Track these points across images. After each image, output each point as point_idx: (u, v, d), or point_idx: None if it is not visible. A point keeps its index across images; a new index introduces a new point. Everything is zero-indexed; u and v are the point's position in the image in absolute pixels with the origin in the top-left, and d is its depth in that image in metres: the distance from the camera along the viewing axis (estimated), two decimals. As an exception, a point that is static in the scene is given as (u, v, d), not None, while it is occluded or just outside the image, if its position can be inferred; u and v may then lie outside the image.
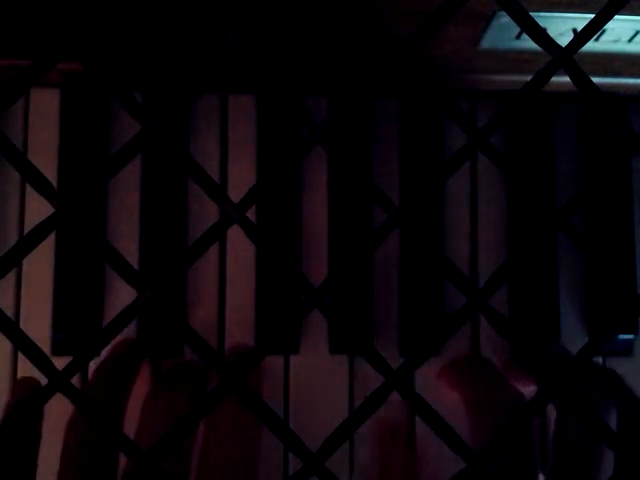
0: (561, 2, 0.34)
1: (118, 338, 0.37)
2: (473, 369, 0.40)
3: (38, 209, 0.41)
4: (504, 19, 0.35)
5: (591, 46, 0.38)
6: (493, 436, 0.22)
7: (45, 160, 0.41)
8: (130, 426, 0.36)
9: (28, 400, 0.21)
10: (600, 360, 0.43)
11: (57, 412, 0.31)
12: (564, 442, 0.34)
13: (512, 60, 0.40)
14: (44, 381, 0.21)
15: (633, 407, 0.35)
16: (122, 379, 0.37)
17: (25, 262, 0.40)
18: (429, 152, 0.43)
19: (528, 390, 0.38)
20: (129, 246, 0.41)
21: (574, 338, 0.43)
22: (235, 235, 0.41)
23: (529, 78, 0.23)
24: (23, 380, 0.37)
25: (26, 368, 0.39)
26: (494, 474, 0.21)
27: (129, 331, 0.40)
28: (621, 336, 0.43)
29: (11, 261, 0.21)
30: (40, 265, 0.40)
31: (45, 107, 0.41)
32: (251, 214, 0.42)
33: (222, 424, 0.35)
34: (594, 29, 0.23)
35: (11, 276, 0.40)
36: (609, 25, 0.35)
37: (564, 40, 0.23)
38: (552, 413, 0.37)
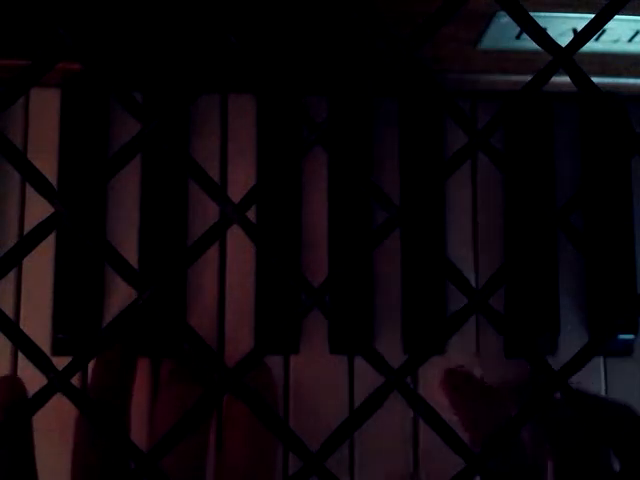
0: (561, 2, 0.34)
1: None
2: (468, 387, 0.40)
3: (38, 209, 0.41)
4: (504, 19, 0.35)
5: (591, 46, 0.38)
6: (493, 436, 0.22)
7: (45, 160, 0.41)
8: (134, 425, 0.36)
9: (28, 400, 0.21)
10: (601, 360, 0.43)
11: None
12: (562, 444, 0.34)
13: (512, 60, 0.40)
14: (44, 381, 0.21)
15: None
16: (121, 379, 0.37)
17: (25, 262, 0.40)
18: (429, 152, 0.43)
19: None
20: (129, 246, 0.41)
21: (574, 338, 0.43)
22: (235, 235, 0.41)
23: (529, 78, 0.23)
24: (4, 379, 0.37)
25: (26, 368, 0.39)
26: (494, 474, 0.21)
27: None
28: (621, 336, 0.43)
29: (11, 261, 0.21)
30: (40, 265, 0.40)
31: (45, 107, 0.41)
32: (251, 214, 0.42)
33: (243, 419, 0.35)
34: (594, 29, 0.23)
35: (11, 276, 0.40)
36: (609, 25, 0.35)
37: (564, 40, 0.23)
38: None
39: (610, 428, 0.22)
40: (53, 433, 0.37)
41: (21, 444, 0.33)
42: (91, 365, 0.38)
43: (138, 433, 0.36)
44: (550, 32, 0.24)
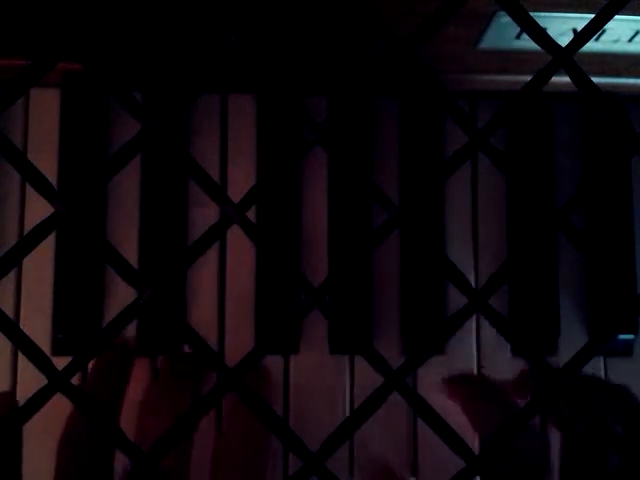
0: (561, 2, 0.34)
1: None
2: (476, 389, 0.40)
3: (38, 209, 0.41)
4: (504, 19, 0.35)
5: (591, 46, 0.38)
6: (493, 436, 0.22)
7: (45, 160, 0.41)
8: (127, 424, 0.36)
9: (28, 400, 0.21)
10: (601, 360, 0.43)
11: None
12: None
13: (512, 60, 0.40)
14: (44, 381, 0.21)
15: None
16: (117, 378, 0.37)
17: (25, 262, 0.40)
18: (429, 152, 0.43)
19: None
20: (129, 246, 0.41)
21: (574, 338, 0.43)
22: (235, 235, 0.41)
23: (529, 78, 0.23)
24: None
25: (26, 368, 0.39)
26: (494, 474, 0.21)
27: (129, 330, 0.40)
28: (621, 336, 0.43)
29: (11, 261, 0.21)
30: (40, 265, 0.40)
31: (45, 107, 0.41)
32: (251, 214, 0.42)
33: (232, 431, 0.35)
34: (594, 29, 0.23)
35: (11, 276, 0.40)
36: (609, 25, 0.35)
37: (564, 40, 0.23)
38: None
39: (608, 423, 0.22)
40: (45, 435, 0.37)
41: (9, 446, 0.33)
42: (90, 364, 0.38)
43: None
44: (550, 32, 0.24)
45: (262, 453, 0.35)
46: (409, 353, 0.42)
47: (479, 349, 0.42)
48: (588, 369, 0.37)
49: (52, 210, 0.21)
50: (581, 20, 0.35)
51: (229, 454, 0.35)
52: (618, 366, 0.43)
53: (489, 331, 0.42)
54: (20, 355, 0.40)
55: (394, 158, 0.43)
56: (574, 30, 0.36)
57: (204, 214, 0.42)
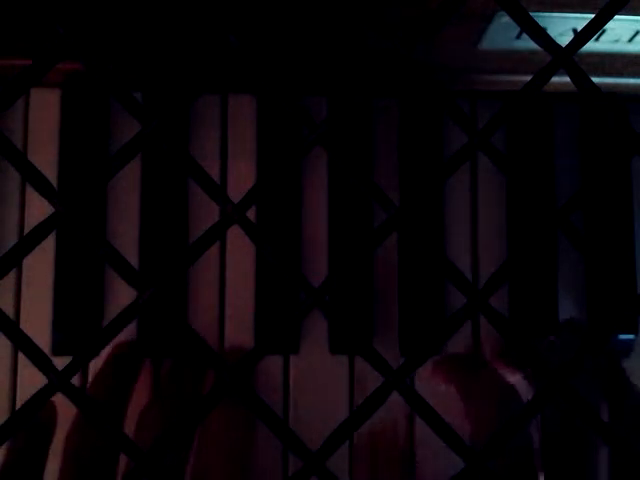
0: (561, 2, 0.34)
1: (118, 339, 0.37)
2: (466, 363, 0.40)
3: (38, 209, 0.41)
4: (504, 19, 0.35)
5: (591, 46, 0.38)
6: (493, 435, 0.22)
7: (45, 160, 0.41)
8: (131, 427, 0.36)
9: (28, 400, 0.21)
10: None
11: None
12: (554, 441, 0.35)
13: (512, 60, 0.40)
14: (44, 381, 0.21)
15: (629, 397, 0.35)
16: (124, 380, 0.37)
17: (25, 262, 0.40)
18: (429, 152, 0.43)
19: (515, 379, 0.38)
20: (129, 246, 0.41)
21: (574, 338, 0.43)
22: (235, 235, 0.41)
23: (529, 78, 0.23)
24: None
25: (26, 368, 0.39)
26: (494, 474, 0.21)
27: (129, 331, 0.40)
28: (621, 336, 0.43)
29: (11, 261, 0.21)
30: (40, 265, 0.40)
31: (45, 107, 0.41)
32: (251, 214, 0.42)
33: (216, 419, 0.35)
34: (594, 29, 0.23)
35: (11, 276, 0.40)
36: (609, 25, 0.35)
37: (564, 40, 0.23)
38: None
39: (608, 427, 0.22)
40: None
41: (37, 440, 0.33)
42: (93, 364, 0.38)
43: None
44: (550, 32, 0.24)
45: (247, 442, 0.35)
46: (406, 355, 0.42)
47: (477, 349, 0.42)
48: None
49: (52, 210, 0.21)
50: (581, 20, 0.35)
51: (212, 446, 0.35)
52: (618, 366, 0.43)
53: (488, 331, 0.42)
54: (20, 355, 0.40)
55: (394, 158, 0.43)
56: (574, 30, 0.36)
57: (204, 214, 0.42)
